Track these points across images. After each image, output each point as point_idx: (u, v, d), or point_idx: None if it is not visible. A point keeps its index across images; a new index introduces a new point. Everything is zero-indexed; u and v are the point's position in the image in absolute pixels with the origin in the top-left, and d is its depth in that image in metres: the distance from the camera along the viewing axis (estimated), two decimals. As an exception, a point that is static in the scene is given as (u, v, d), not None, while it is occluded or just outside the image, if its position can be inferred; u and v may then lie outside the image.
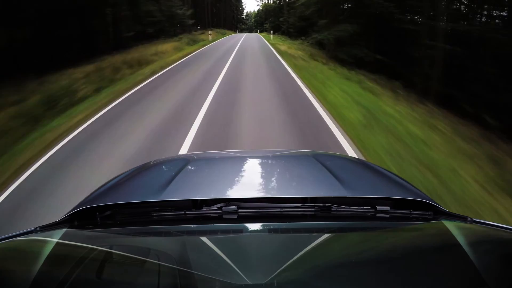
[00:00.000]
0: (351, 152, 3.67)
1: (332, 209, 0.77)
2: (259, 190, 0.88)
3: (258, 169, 1.11)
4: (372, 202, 0.80)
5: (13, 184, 3.54)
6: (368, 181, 1.00)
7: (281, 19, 36.39)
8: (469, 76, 8.48)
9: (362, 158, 3.50)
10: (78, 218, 0.79)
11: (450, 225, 0.72)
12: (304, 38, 19.69)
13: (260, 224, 0.74)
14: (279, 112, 5.25)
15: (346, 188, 0.82)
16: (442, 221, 0.76)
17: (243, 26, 78.77)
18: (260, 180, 0.98)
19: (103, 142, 4.46)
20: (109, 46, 13.89)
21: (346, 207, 0.78)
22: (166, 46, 16.07)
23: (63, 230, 0.73)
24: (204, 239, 0.69)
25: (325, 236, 0.74)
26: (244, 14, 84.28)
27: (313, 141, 4.03)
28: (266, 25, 50.50)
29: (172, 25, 23.07)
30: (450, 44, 8.74)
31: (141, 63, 11.40)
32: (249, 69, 10.12)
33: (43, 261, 0.58)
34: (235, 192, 0.86)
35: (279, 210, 0.76)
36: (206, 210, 0.77)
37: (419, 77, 9.35)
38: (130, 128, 4.89)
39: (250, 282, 0.50)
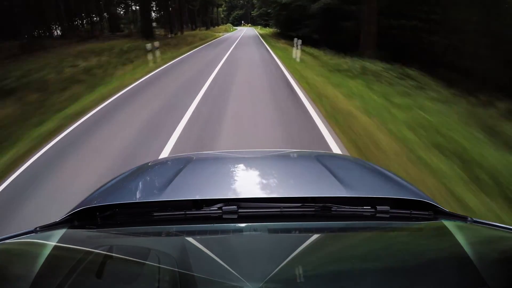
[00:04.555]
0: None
1: (332, 209, 0.77)
2: (259, 190, 0.87)
3: (258, 169, 1.11)
4: (372, 202, 0.80)
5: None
6: (368, 181, 1.00)
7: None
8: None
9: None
10: (78, 218, 0.79)
11: (450, 225, 0.72)
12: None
13: (260, 224, 0.73)
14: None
15: (346, 188, 0.82)
16: (442, 221, 0.76)
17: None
18: (260, 180, 0.98)
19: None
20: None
21: (346, 207, 0.78)
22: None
23: (63, 230, 0.73)
24: (204, 239, 0.69)
25: (325, 236, 0.74)
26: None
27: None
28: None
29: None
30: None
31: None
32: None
33: (43, 261, 0.57)
34: (235, 192, 0.86)
35: (279, 210, 0.76)
36: (206, 210, 0.77)
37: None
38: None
39: (250, 282, 0.50)
